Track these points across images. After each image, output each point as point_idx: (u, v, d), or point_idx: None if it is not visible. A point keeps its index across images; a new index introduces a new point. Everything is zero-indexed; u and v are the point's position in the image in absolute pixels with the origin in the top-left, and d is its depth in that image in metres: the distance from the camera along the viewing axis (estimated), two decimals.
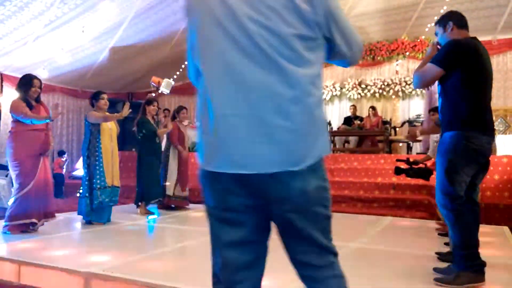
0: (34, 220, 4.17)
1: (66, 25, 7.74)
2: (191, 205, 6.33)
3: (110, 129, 4.94)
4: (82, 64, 9.46)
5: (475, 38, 2.65)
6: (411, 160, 4.17)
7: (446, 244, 3.60)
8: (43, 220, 4.29)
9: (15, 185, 4.21)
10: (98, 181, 4.76)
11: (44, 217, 4.28)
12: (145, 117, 5.73)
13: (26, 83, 4.26)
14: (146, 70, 10.02)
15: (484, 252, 2.74)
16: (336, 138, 9.82)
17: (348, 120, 9.70)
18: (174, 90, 11.10)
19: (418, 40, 9.50)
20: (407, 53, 9.71)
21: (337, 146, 9.74)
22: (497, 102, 8.30)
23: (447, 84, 2.54)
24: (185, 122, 6.30)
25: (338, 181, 7.09)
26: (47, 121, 4.25)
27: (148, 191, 5.63)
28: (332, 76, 10.79)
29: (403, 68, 10.01)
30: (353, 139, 9.72)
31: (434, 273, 2.84)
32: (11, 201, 4.25)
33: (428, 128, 3.56)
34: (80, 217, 4.90)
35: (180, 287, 2.56)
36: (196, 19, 1.31)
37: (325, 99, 10.90)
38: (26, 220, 4.14)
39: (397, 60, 9.90)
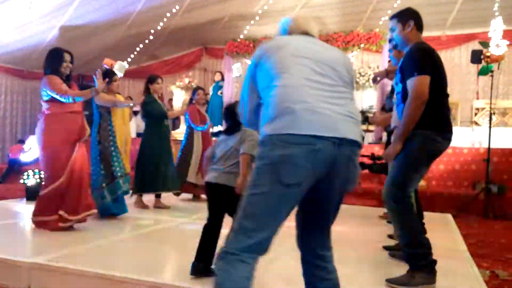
0: (65, 215, 3.61)
1: (11, 0, 7.24)
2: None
3: (122, 112, 4.46)
4: (28, 43, 8.91)
5: None
6: (375, 155, 4.27)
7: (390, 236, 3.71)
8: (85, 214, 3.72)
9: (46, 176, 3.70)
10: (118, 169, 4.29)
11: (83, 211, 3.70)
12: (150, 96, 5.04)
13: (56, 57, 3.71)
14: (98, 52, 9.61)
15: (429, 238, 2.88)
16: None
17: None
18: (128, 74, 10.76)
19: (373, 33, 9.73)
20: (362, 45, 9.93)
21: None
22: None
23: None
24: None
25: None
26: (78, 100, 3.61)
27: (147, 179, 4.90)
28: None
29: (357, 60, 10.23)
30: None
31: (389, 258, 3.04)
32: (41, 193, 3.74)
33: (380, 119, 3.62)
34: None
35: (131, 277, 2.50)
36: None
37: None
38: (55, 216, 3.61)
39: (352, 52, 10.10)
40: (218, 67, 11.28)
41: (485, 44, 6.40)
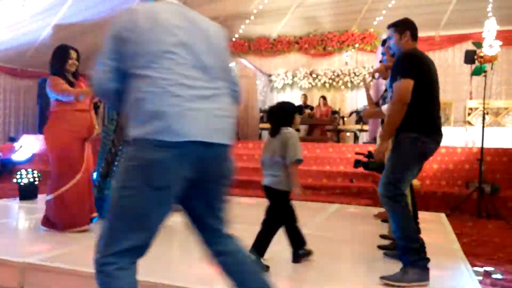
0: (83, 227, 3.55)
1: None
2: None
3: None
4: (21, 41, 8.86)
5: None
6: (372, 153, 4.29)
7: (383, 236, 3.72)
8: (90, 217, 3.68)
9: (55, 178, 3.53)
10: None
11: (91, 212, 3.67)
12: None
13: (61, 55, 3.64)
14: (92, 51, 9.50)
15: (423, 238, 2.89)
16: None
17: (299, 109, 9.82)
18: None
19: (368, 33, 9.77)
20: (357, 45, 9.96)
21: None
22: None
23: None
24: None
25: None
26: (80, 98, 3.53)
27: None
28: (285, 65, 10.87)
29: (352, 60, 10.27)
30: (303, 128, 9.89)
31: (384, 257, 3.08)
32: (49, 197, 3.58)
33: (370, 112, 3.70)
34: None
35: None
36: None
37: (276, 87, 10.98)
38: (76, 228, 3.53)
39: (346, 52, 10.13)
40: None
41: (479, 44, 6.44)
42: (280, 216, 2.84)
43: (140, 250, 1.55)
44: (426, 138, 2.60)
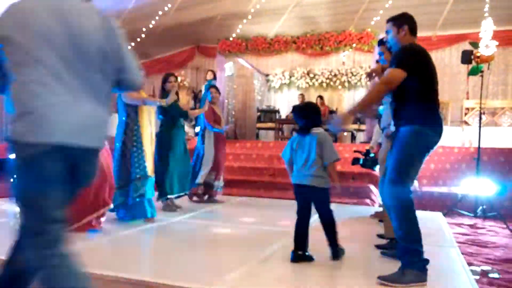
0: (90, 218, 3.54)
1: None
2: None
3: (149, 111, 4.26)
4: None
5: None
6: (370, 151, 4.33)
7: (380, 236, 3.73)
8: (102, 211, 3.65)
9: None
10: (138, 170, 4.06)
11: (103, 205, 3.65)
12: (167, 95, 4.70)
13: None
14: None
15: None
16: (284, 126, 9.96)
17: None
18: None
19: (365, 33, 9.77)
20: (354, 45, 9.97)
21: (284, 134, 9.87)
22: None
23: (406, 85, 2.57)
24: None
25: (285, 169, 7.20)
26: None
27: (169, 182, 4.72)
28: (282, 64, 10.87)
29: (349, 59, 10.28)
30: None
31: (382, 256, 3.11)
32: None
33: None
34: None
35: (123, 276, 2.48)
36: None
37: (274, 87, 10.99)
38: (87, 218, 3.51)
39: (344, 51, 10.14)
40: (210, 66, 11.25)
41: (475, 44, 6.47)
42: (329, 208, 3.04)
43: (57, 235, 1.63)
44: (429, 130, 2.57)
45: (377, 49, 3.44)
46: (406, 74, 2.53)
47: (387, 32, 2.82)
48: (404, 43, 2.71)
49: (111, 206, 3.79)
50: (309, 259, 2.95)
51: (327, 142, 2.95)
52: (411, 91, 2.58)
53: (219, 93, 5.74)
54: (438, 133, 2.62)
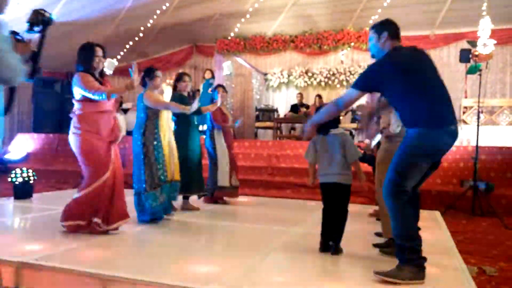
0: (99, 222, 3.52)
1: None
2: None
3: (168, 115, 4.23)
4: None
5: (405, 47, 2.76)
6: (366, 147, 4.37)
7: (378, 234, 3.74)
8: (121, 222, 3.64)
9: (88, 174, 3.49)
10: (160, 173, 4.03)
11: (118, 219, 3.61)
12: (180, 94, 4.73)
13: (87, 52, 3.53)
14: None
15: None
16: (283, 125, 9.96)
17: (294, 108, 9.85)
18: (118, 71, 10.67)
19: (363, 31, 9.77)
20: (352, 44, 9.97)
21: (283, 133, 9.87)
22: None
23: (392, 91, 2.62)
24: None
25: (284, 168, 7.21)
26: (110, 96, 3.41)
27: (186, 181, 4.61)
28: (280, 63, 10.87)
29: (347, 58, 10.28)
30: (299, 127, 9.89)
31: (381, 254, 3.14)
32: (77, 194, 3.53)
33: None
34: None
35: (120, 275, 2.48)
36: None
37: (272, 86, 10.99)
38: (94, 218, 3.50)
39: (342, 50, 10.14)
40: (208, 65, 11.25)
41: (474, 43, 6.47)
42: (347, 205, 3.22)
43: None
44: (434, 132, 2.51)
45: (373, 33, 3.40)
46: (361, 93, 2.67)
47: (369, 39, 2.83)
48: (386, 49, 2.71)
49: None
50: (335, 251, 3.11)
51: (348, 142, 3.17)
52: (402, 95, 2.58)
53: (226, 92, 5.67)
54: (448, 132, 2.54)
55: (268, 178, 6.92)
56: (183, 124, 4.76)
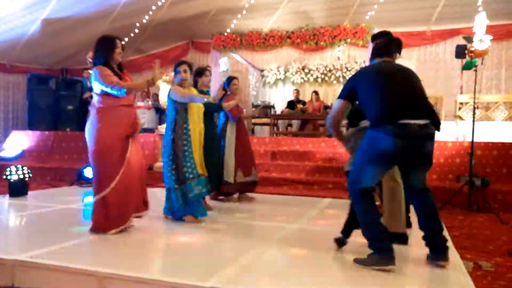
0: (129, 224, 3.49)
1: None
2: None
3: (198, 107, 4.13)
4: (10, 35, 8.75)
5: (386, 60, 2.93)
6: None
7: None
8: (140, 213, 3.60)
9: (96, 179, 3.39)
10: (190, 170, 3.94)
11: (137, 210, 3.56)
12: (201, 90, 4.55)
13: (107, 44, 3.40)
14: (82, 45, 9.47)
15: (415, 231, 2.89)
16: (280, 121, 9.95)
17: (291, 104, 9.84)
18: None
19: (360, 27, 9.77)
20: (349, 40, 9.96)
21: (280, 129, 9.86)
22: (428, 91, 8.78)
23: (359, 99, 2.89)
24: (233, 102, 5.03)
25: (281, 164, 7.21)
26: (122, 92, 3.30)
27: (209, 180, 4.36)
28: (277, 60, 10.85)
29: (344, 55, 10.28)
30: (296, 123, 9.89)
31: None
32: (94, 198, 3.42)
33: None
34: None
35: (115, 272, 2.47)
36: None
37: (269, 82, 10.97)
38: (123, 225, 3.43)
39: (339, 46, 10.13)
40: (204, 61, 11.21)
41: (469, 39, 6.47)
42: None
43: None
44: (380, 133, 2.64)
45: (371, 45, 3.48)
46: (346, 101, 2.89)
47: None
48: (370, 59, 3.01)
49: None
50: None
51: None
52: (363, 100, 2.84)
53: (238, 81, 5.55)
54: (394, 134, 2.60)
55: (265, 174, 6.92)
56: (205, 122, 4.43)
